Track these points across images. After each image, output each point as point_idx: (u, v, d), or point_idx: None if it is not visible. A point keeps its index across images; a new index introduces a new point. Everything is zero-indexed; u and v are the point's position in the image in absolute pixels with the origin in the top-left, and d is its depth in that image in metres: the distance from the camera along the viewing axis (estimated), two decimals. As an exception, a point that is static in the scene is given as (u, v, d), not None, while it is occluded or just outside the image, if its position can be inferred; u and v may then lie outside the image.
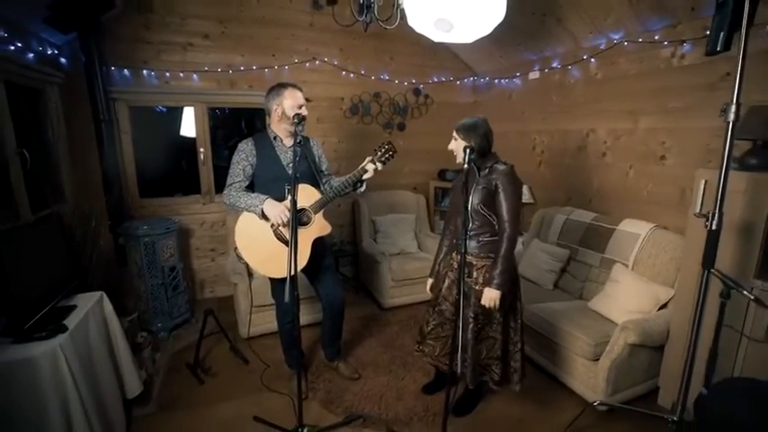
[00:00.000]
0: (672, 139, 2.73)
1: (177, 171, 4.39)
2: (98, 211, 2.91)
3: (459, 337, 1.51)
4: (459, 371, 1.53)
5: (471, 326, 1.95)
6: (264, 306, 2.94)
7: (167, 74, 3.34)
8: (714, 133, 2.42)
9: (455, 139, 2.00)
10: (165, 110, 3.94)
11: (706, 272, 1.59)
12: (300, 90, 2.14)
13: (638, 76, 2.88)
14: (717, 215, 1.60)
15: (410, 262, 3.63)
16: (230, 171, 2.13)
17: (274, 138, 2.19)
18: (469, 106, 4.58)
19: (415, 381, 2.54)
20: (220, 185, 3.74)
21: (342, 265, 4.13)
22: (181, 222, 3.42)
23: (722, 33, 1.57)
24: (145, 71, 3.27)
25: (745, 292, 1.26)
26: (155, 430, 2.13)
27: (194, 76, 3.43)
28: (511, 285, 1.98)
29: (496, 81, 4.27)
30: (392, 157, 2.25)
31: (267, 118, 2.23)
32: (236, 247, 2.09)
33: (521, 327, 2.07)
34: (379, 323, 3.32)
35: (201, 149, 3.62)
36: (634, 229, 2.73)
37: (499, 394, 2.42)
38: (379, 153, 2.22)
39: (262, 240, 2.09)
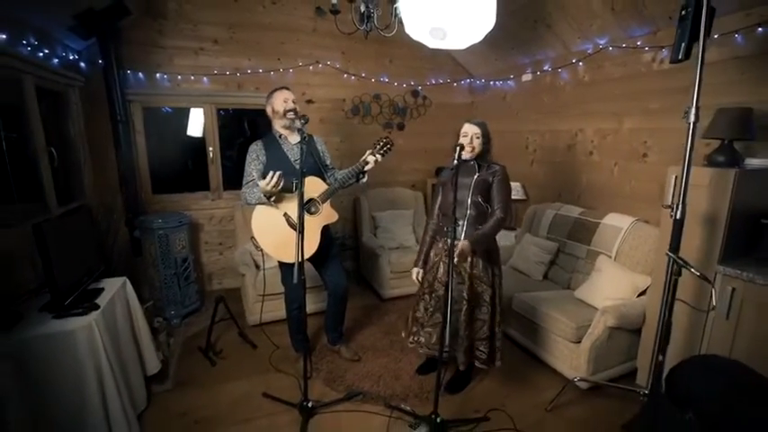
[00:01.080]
0: (653, 138, 2.91)
1: (185, 169, 4.58)
2: (115, 205, 3.10)
3: (448, 315, 1.70)
4: (447, 342, 1.71)
5: (465, 308, 2.15)
6: (271, 295, 3.13)
7: (179, 77, 3.54)
8: (702, 134, 2.59)
9: (476, 136, 2.16)
10: (170, 110, 4.11)
11: (681, 261, 1.78)
12: (288, 89, 2.39)
13: (622, 79, 3.07)
14: (680, 206, 1.79)
15: (408, 255, 3.80)
16: (245, 172, 2.34)
17: (279, 136, 2.39)
18: (466, 107, 4.77)
19: (412, 363, 2.73)
20: (228, 182, 3.95)
21: (343, 259, 4.31)
22: (191, 217, 3.62)
23: (683, 44, 1.75)
24: (158, 74, 3.47)
25: (692, 270, 1.45)
26: (172, 404, 2.33)
27: (204, 78, 3.63)
28: (495, 269, 2.21)
29: (492, 83, 4.46)
30: (390, 149, 2.45)
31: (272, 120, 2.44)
32: (252, 236, 2.29)
33: (501, 309, 2.28)
34: (378, 312, 3.52)
35: (210, 148, 3.82)
36: (617, 223, 2.92)
37: (488, 374, 2.62)
38: (378, 146, 2.42)
39: (276, 228, 2.30)
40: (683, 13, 1.76)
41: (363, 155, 2.41)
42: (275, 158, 2.34)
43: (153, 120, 3.73)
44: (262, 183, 2.14)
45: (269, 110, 2.40)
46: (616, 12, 2.83)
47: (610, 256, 2.86)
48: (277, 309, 3.09)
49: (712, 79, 2.52)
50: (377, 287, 3.85)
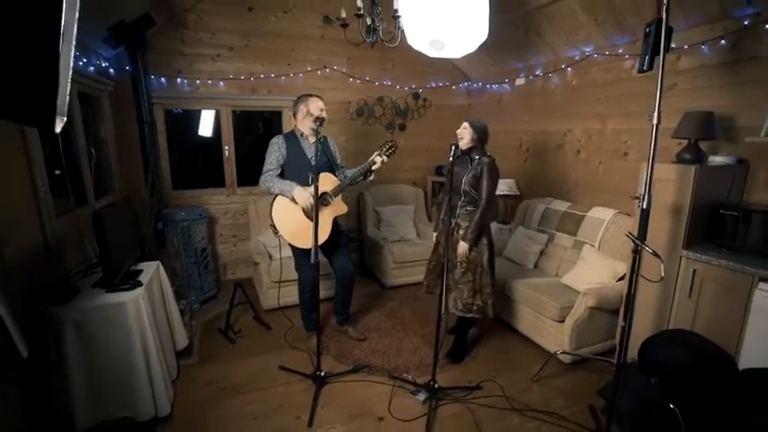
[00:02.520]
0: (633, 138, 3.18)
1: (202, 166, 4.89)
2: (145, 199, 3.39)
3: (444, 283, 2.07)
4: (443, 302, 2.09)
5: (458, 268, 2.56)
6: (285, 281, 3.39)
7: (198, 81, 3.83)
8: (664, 134, 2.86)
9: (465, 128, 2.54)
10: (181, 111, 4.37)
11: (638, 241, 2.05)
12: (322, 98, 2.66)
13: (605, 84, 3.34)
14: (646, 197, 2.07)
15: (409, 247, 4.09)
16: (266, 161, 2.62)
17: (300, 134, 2.68)
18: (464, 109, 5.04)
19: (413, 342, 3.01)
20: (242, 179, 4.23)
21: (349, 251, 4.59)
22: (208, 211, 3.91)
23: (647, 57, 2.03)
24: (179, 79, 3.76)
25: (645, 248, 1.72)
26: (199, 375, 2.62)
27: (221, 83, 3.91)
28: (484, 243, 2.59)
29: (488, 86, 4.73)
30: (395, 151, 2.77)
31: (293, 118, 2.72)
32: (273, 224, 2.57)
33: (492, 273, 2.66)
34: (382, 299, 3.80)
35: (226, 147, 4.11)
36: (600, 215, 3.19)
37: (482, 351, 2.91)
38: (384, 148, 2.73)
39: (294, 218, 2.60)
40: (647, 30, 2.04)
41: (367, 153, 2.70)
42: (294, 153, 2.63)
43: (172, 121, 4.02)
44: (302, 199, 2.50)
45: (302, 111, 2.62)
46: (599, 22, 3.11)
47: (593, 246, 3.13)
48: (290, 295, 3.35)
49: (684, 85, 2.81)
50: (380, 276, 4.13)
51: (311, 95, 2.64)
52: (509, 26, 3.70)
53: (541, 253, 3.55)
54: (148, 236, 3.23)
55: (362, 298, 3.77)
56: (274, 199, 2.58)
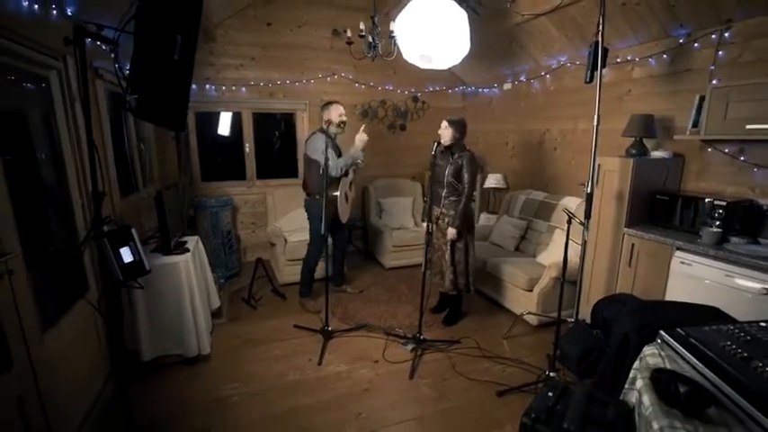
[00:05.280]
0: (600, 137, 3.66)
1: (226, 161, 5.46)
2: (178, 188, 3.97)
3: (425, 260, 2.59)
4: (425, 271, 2.59)
5: (448, 252, 3.04)
6: (296, 260, 3.96)
7: (224, 87, 4.41)
8: (621, 133, 3.36)
9: (445, 128, 3.03)
10: (202, 113, 4.91)
11: (585, 220, 2.57)
12: (341, 104, 3.35)
13: (576, 89, 3.83)
14: (589, 183, 2.58)
15: (407, 234, 4.63)
16: (321, 153, 3.05)
17: (331, 135, 3.32)
18: (459, 110, 5.55)
19: (405, 310, 3.55)
20: (260, 172, 4.81)
21: (354, 238, 5.15)
22: (232, 200, 4.48)
23: (588, 71, 2.53)
24: (207, 85, 4.34)
25: (578, 221, 2.23)
26: (229, 330, 3.20)
27: (243, 88, 4.49)
28: (467, 229, 3.05)
29: (480, 90, 5.24)
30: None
31: (323, 123, 3.32)
32: (335, 196, 3.26)
33: (473, 255, 3.15)
34: (382, 277, 4.35)
35: (247, 144, 4.69)
36: (570, 204, 3.67)
37: (465, 315, 3.43)
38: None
39: (341, 199, 3.34)
40: (589, 50, 2.54)
41: (369, 152, 3.36)
42: (331, 148, 3.26)
43: (198, 121, 4.60)
44: (360, 145, 3.34)
45: (326, 115, 3.27)
46: (568, 37, 3.61)
47: (563, 230, 3.62)
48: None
49: (637, 91, 3.30)
50: (380, 259, 4.68)
51: (333, 103, 3.29)
52: (496, 38, 4.21)
53: (522, 238, 4.06)
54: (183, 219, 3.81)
55: (366, 277, 4.32)
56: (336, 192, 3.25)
